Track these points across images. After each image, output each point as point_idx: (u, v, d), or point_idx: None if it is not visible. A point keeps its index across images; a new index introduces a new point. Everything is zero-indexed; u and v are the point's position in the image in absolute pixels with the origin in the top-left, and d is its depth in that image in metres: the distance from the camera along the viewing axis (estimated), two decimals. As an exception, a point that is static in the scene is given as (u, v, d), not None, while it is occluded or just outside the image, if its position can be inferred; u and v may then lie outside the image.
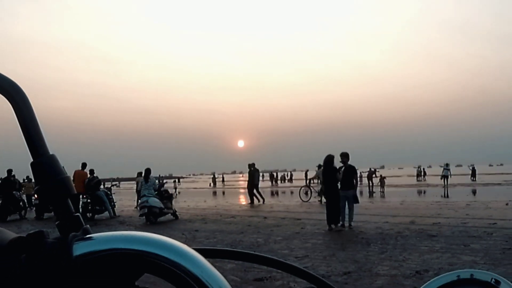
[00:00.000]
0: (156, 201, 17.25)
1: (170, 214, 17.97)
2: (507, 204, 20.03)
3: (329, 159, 14.66)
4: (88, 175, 20.35)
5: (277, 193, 42.54)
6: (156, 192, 17.86)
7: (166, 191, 18.78)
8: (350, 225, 13.94)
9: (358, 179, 14.75)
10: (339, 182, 14.49)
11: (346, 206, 14.09)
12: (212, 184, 67.59)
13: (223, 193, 47.11)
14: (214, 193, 48.47)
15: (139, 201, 18.01)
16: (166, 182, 21.01)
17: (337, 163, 14.78)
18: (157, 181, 19.07)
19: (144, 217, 17.25)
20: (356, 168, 15.45)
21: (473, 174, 58.86)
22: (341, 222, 13.90)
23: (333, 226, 13.78)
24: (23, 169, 20.57)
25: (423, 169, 73.19)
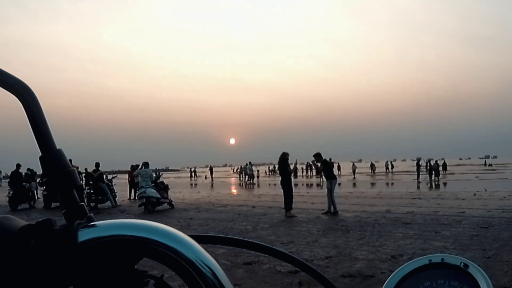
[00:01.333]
0: (153, 192, 17.36)
1: (166, 203, 18.02)
2: (474, 195, 20.21)
3: (281, 156, 15.26)
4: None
5: (264, 184, 42.51)
6: (153, 184, 17.94)
7: (162, 182, 18.82)
8: (334, 210, 14.35)
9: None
10: (292, 175, 15.69)
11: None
12: (194, 177, 66.29)
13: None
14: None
15: (138, 192, 18.05)
16: (162, 174, 20.94)
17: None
18: (153, 173, 19.06)
19: (143, 206, 17.28)
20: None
21: (444, 167, 59.50)
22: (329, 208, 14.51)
23: (287, 213, 14.41)
24: (33, 163, 20.58)
25: (391, 162, 72.87)
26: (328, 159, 16.11)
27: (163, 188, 18.34)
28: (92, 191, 19.41)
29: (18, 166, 21.44)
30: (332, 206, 14.41)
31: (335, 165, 40.90)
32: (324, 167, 15.37)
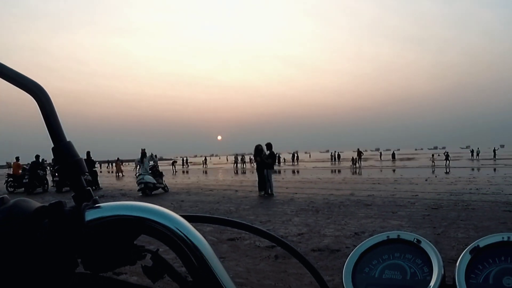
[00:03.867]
0: (150, 178, 17.54)
1: (161, 188, 18.07)
2: (426, 180, 20.50)
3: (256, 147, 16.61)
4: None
5: (246, 171, 42.53)
6: (150, 171, 18.01)
7: (157, 169, 18.85)
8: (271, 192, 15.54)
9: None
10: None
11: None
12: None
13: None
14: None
15: (137, 178, 18.13)
16: (158, 164, 20.91)
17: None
18: (151, 161, 19.04)
19: (141, 190, 17.39)
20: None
21: (393, 156, 60.33)
22: (267, 190, 15.60)
23: (262, 192, 15.57)
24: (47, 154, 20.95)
25: (338, 153, 69.96)
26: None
27: (158, 175, 18.41)
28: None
29: (37, 157, 22.05)
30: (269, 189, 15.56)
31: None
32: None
